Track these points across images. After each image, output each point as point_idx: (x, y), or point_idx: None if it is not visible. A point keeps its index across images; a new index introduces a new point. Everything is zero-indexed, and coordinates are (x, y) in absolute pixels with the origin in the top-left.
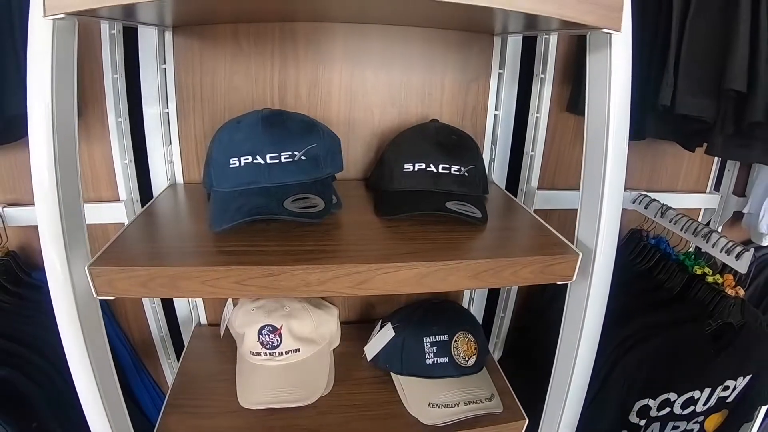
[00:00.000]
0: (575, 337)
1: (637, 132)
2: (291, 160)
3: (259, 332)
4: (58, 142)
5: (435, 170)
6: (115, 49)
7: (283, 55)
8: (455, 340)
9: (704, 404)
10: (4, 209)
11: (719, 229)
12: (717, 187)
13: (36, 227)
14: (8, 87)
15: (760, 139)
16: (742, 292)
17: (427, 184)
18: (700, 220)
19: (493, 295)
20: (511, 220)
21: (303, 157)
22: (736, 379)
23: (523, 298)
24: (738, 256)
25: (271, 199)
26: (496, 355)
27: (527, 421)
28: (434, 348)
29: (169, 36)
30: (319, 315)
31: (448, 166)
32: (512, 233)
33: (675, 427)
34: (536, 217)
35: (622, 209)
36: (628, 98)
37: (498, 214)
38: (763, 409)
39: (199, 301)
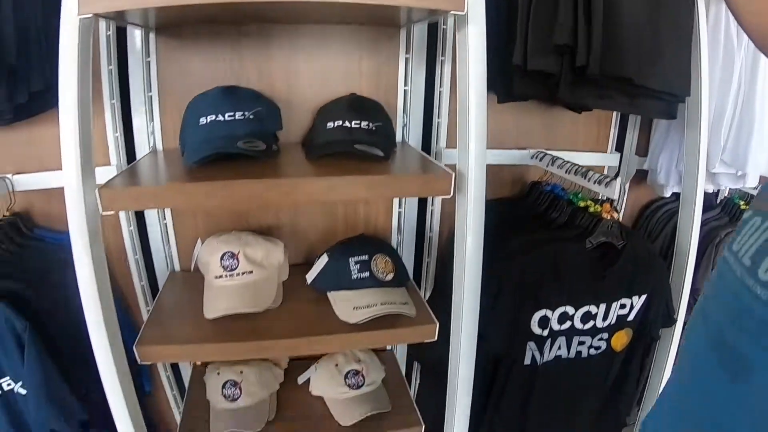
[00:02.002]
0: (463, 243)
1: (508, 93)
2: (243, 117)
3: (222, 257)
4: (80, 114)
5: (349, 125)
6: (109, 46)
7: (237, 51)
8: (374, 259)
9: (603, 320)
10: (14, 176)
11: (626, 186)
12: (620, 147)
13: (37, 191)
14: (33, 68)
15: (619, 90)
16: (616, 215)
17: (344, 135)
18: None
19: (419, 244)
20: (411, 161)
21: (251, 116)
22: (630, 298)
23: (444, 245)
24: (607, 185)
25: (228, 142)
26: (426, 295)
27: (437, 325)
28: (357, 266)
29: (152, 36)
30: (268, 246)
31: (359, 122)
32: (408, 166)
33: (581, 342)
34: (429, 158)
35: (524, 165)
36: (484, 63)
37: (402, 159)
38: (676, 335)
39: (174, 251)
